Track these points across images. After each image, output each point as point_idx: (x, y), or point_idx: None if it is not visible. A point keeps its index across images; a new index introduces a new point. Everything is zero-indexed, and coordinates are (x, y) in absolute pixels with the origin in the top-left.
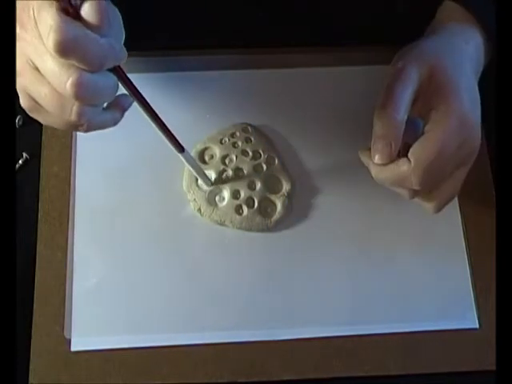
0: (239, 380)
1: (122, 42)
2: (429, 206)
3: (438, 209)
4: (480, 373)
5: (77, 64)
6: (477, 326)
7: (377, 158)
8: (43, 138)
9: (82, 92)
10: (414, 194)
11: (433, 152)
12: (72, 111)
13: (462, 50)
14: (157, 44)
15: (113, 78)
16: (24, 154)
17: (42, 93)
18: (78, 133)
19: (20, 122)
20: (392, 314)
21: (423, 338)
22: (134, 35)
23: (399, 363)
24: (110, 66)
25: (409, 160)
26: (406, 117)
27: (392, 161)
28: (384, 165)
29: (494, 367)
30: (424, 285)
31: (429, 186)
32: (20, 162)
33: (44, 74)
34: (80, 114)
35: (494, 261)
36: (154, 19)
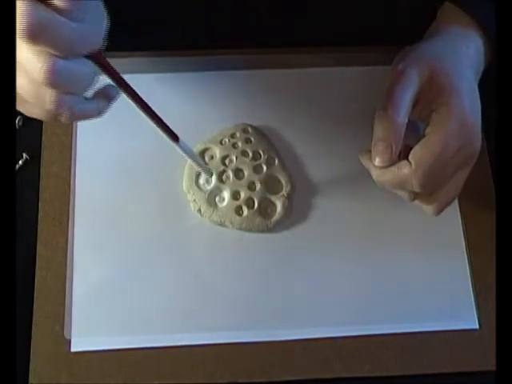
0: (239, 380)
1: (103, 29)
2: (429, 209)
3: (438, 211)
4: (480, 373)
5: (48, 50)
6: (477, 326)
7: (377, 161)
8: (43, 138)
9: (54, 79)
10: (415, 196)
11: (433, 154)
12: (48, 99)
13: (462, 54)
14: (157, 44)
15: (90, 65)
16: (24, 155)
17: (20, 83)
18: (78, 133)
19: (20, 123)
20: (392, 315)
21: (423, 338)
22: (134, 35)
23: (399, 364)
24: (84, 52)
25: (409, 162)
26: (406, 119)
27: (393, 163)
28: (385, 167)
29: (494, 368)
30: (424, 285)
31: (429, 189)
32: (20, 162)
33: (21, 63)
34: (56, 103)
35: (494, 261)
36: (155, 19)
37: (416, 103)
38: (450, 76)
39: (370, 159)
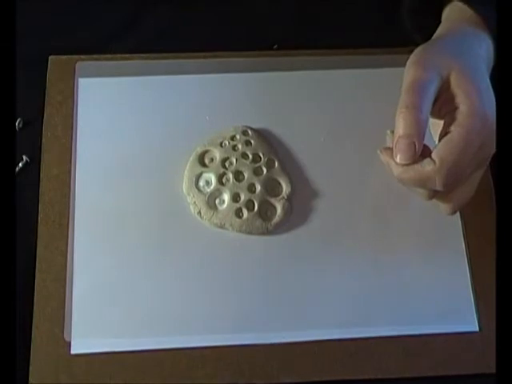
0: (239, 382)
1: None
2: (446, 207)
3: (455, 210)
4: (480, 376)
5: None
6: (477, 329)
7: (400, 158)
8: (43, 140)
9: None
10: (434, 194)
11: (457, 152)
12: None
13: (476, 53)
14: (157, 47)
15: None
16: (24, 157)
17: None
18: (78, 135)
19: (20, 125)
20: (392, 317)
21: (423, 340)
22: (136, 38)
23: (399, 366)
24: None
25: (433, 160)
26: (429, 116)
27: (415, 161)
28: (407, 165)
29: (494, 370)
30: (424, 288)
31: (450, 187)
32: (20, 164)
33: None
34: None
35: (494, 263)
36: (155, 21)
37: (435, 101)
38: (470, 75)
39: (391, 156)
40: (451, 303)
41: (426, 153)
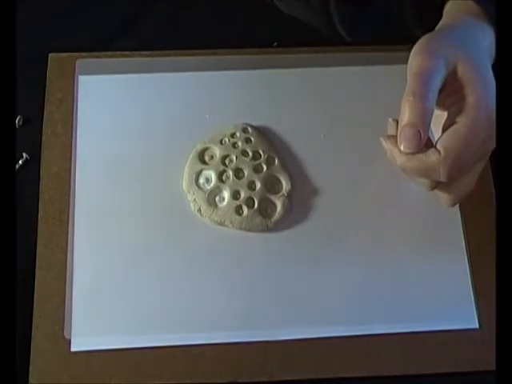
0: (239, 380)
1: None
2: (446, 199)
3: (455, 202)
4: (480, 373)
5: None
6: (477, 326)
7: (405, 147)
8: (43, 138)
9: None
10: (436, 185)
11: (462, 143)
12: None
13: (481, 44)
14: (157, 44)
15: None
16: (24, 155)
17: None
18: (78, 133)
19: (20, 122)
20: (392, 315)
21: (423, 338)
22: (136, 36)
23: (399, 364)
24: None
25: (438, 150)
26: (434, 105)
27: (419, 150)
28: (411, 153)
29: (494, 367)
30: (424, 285)
31: (453, 178)
32: (20, 162)
33: None
34: None
35: (494, 260)
36: (154, 20)
37: (440, 91)
38: (476, 66)
39: (395, 144)
40: (451, 300)
41: (428, 143)
